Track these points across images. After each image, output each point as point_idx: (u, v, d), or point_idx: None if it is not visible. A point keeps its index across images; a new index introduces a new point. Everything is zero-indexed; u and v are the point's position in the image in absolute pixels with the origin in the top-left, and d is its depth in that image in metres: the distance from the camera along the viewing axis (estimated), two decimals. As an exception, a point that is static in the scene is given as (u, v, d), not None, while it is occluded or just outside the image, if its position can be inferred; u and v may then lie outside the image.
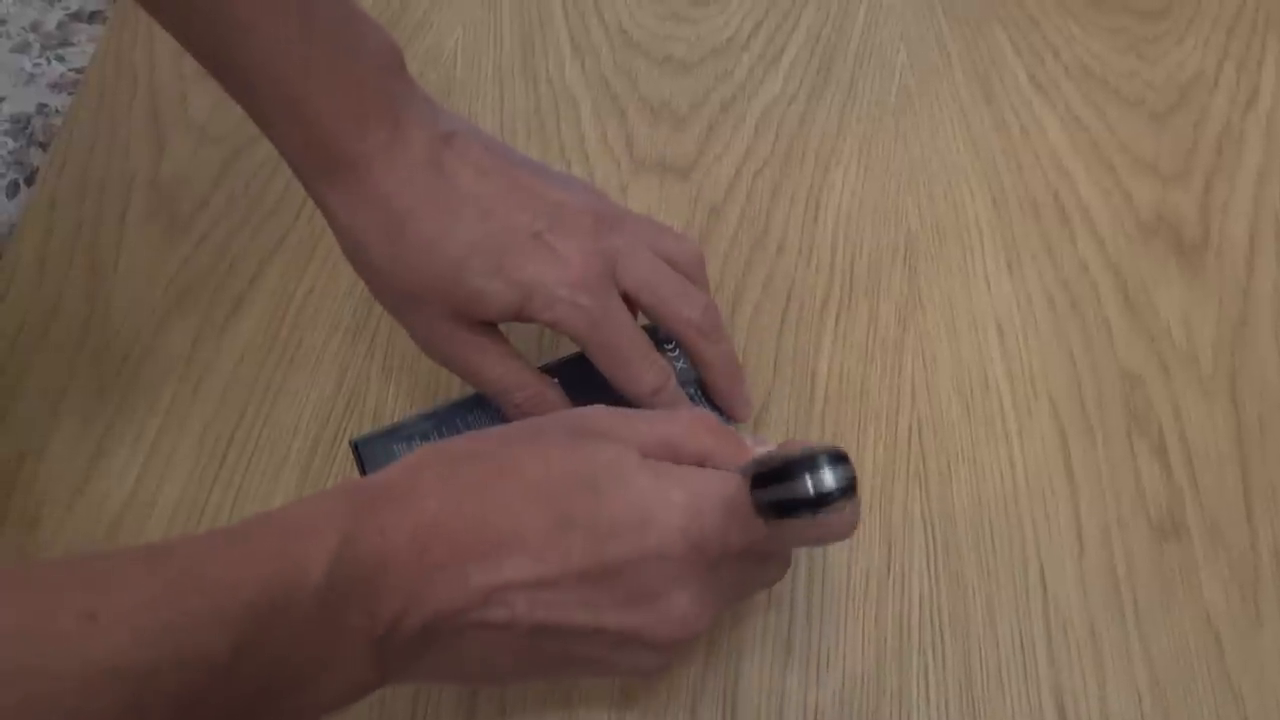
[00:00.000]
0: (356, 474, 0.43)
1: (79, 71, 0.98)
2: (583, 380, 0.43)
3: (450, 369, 0.43)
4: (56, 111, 0.95)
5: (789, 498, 0.27)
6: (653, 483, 0.33)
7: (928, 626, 0.44)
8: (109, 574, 0.28)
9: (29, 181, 0.93)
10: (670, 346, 0.45)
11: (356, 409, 0.50)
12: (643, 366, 0.41)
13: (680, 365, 0.45)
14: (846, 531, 0.35)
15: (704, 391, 0.44)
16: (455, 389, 0.49)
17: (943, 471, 0.47)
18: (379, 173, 0.40)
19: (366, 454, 0.43)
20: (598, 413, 0.36)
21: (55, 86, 0.94)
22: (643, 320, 0.44)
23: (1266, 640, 0.43)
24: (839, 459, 0.27)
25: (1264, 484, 0.47)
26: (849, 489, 0.27)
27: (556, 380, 0.43)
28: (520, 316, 0.41)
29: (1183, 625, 0.43)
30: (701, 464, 0.35)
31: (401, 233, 0.40)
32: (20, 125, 0.90)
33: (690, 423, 0.36)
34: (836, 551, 0.45)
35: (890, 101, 0.59)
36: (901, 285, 0.53)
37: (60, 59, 0.94)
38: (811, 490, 0.26)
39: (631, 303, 0.42)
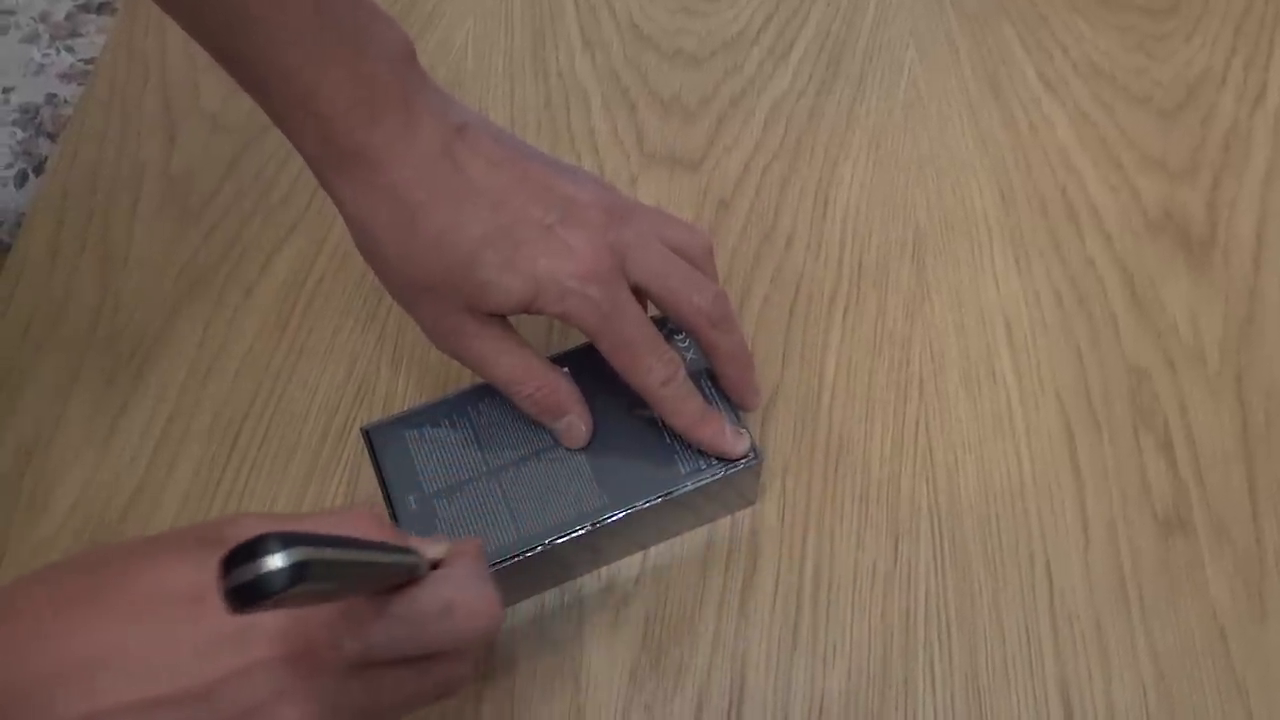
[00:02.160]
0: (367, 460, 0.44)
1: (88, 62, 0.98)
2: (593, 370, 0.43)
3: (459, 360, 0.43)
4: (65, 102, 0.95)
5: (238, 583, 0.24)
6: None
7: (934, 619, 0.44)
8: None
9: (37, 171, 0.93)
10: (681, 338, 0.46)
11: (366, 398, 0.50)
12: (652, 358, 0.41)
13: (690, 356, 0.45)
14: (474, 631, 0.33)
15: (714, 382, 0.45)
16: (465, 378, 0.49)
17: (949, 465, 0.47)
18: (390, 165, 0.40)
19: (378, 440, 0.43)
20: (245, 519, 0.33)
21: (64, 77, 0.94)
22: (652, 311, 0.44)
23: (1271, 635, 0.43)
24: (290, 543, 0.25)
25: (1269, 481, 0.47)
26: (295, 574, 0.24)
27: (566, 370, 0.43)
28: (530, 309, 0.41)
29: (1188, 620, 0.44)
30: None
31: (412, 225, 0.40)
32: (29, 115, 0.90)
33: (351, 522, 0.33)
34: (843, 544, 0.45)
35: (899, 97, 0.59)
36: (909, 279, 0.53)
37: (69, 49, 0.94)
38: (250, 575, 0.24)
39: (642, 294, 0.42)
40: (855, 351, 0.51)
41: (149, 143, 0.59)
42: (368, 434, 0.44)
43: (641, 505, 0.42)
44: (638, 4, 0.64)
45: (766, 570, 0.45)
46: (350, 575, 0.28)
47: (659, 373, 0.41)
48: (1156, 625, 0.44)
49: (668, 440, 0.43)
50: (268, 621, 0.30)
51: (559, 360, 0.44)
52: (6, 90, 0.91)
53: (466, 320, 0.41)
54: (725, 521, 0.46)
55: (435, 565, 0.34)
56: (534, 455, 0.43)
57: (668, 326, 0.45)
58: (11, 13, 0.97)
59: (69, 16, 0.98)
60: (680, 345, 0.45)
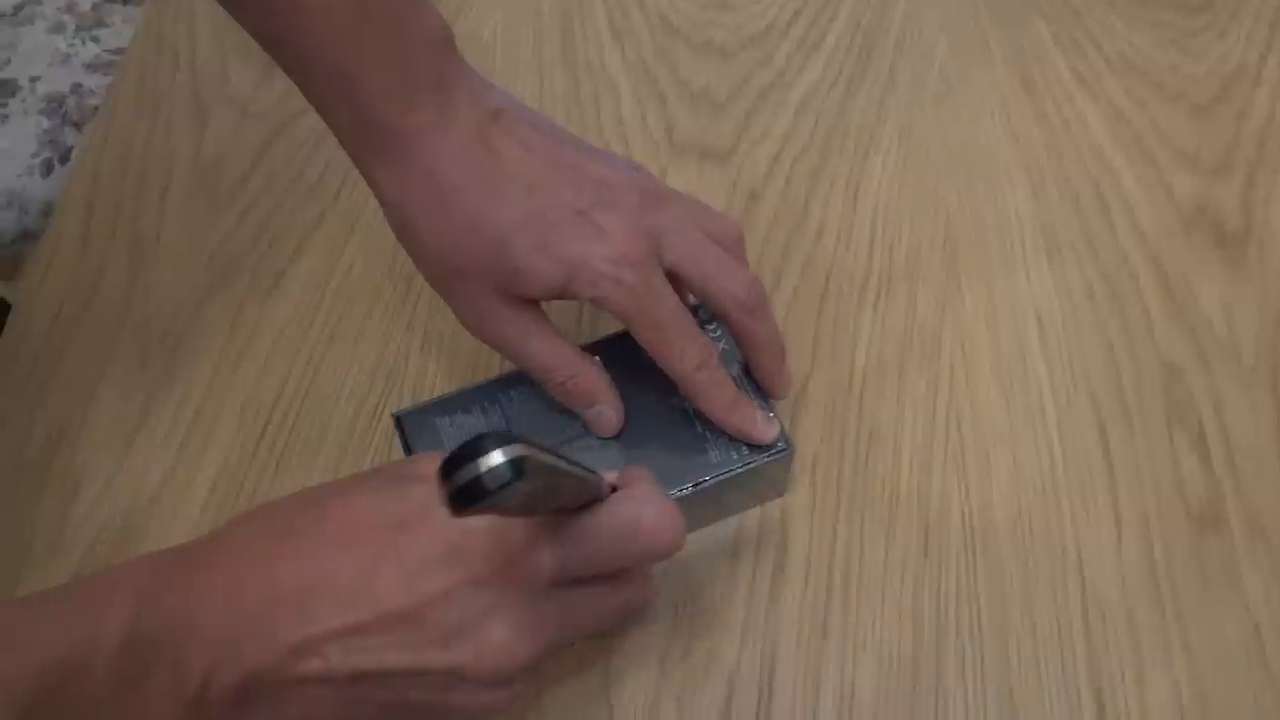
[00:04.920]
0: (398, 447, 0.43)
1: (114, 52, 0.98)
2: (624, 359, 0.43)
3: (493, 346, 0.43)
4: (91, 92, 0.96)
5: (461, 483, 0.26)
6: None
7: (965, 611, 0.44)
8: None
9: (63, 160, 0.93)
10: (712, 327, 0.45)
11: (395, 384, 0.50)
12: (686, 342, 0.41)
13: (721, 346, 0.45)
14: (661, 546, 0.34)
15: (745, 372, 0.44)
16: (494, 366, 0.49)
17: (981, 458, 0.47)
18: (426, 150, 0.40)
19: (409, 427, 0.43)
20: (422, 458, 0.36)
21: (90, 67, 0.95)
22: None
23: (1307, 632, 0.43)
24: (506, 441, 0.26)
25: (1305, 478, 0.46)
26: (515, 469, 0.26)
27: (598, 359, 0.43)
28: (564, 294, 0.40)
29: (1222, 616, 0.43)
30: None
31: (447, 210, 0.40)
32: (55, 105, 0.91)
33: None
34: (873, 535, 0.45)
35: (930, 90, 0.59)
36: (940, 273, 0.52)
37: (95, 40, 0.94)
38: (473, 474, 0.25)
39: (676, 279, 0.42)
40: (886, 344, 0.50)
41: (179, 130, 0.59)
42: (399, 420, 0.44)
43: (673, 494, 0.42)
44: (667, -4, 0.64)
45: (796, 561, 0.45)
46: (555, 481, 0.29)
47: (693, 357, 0.41)
48: (1190, 621, 0.43)
49: (699, 430, 0.43)
50: (472, 543, 0.32)
51: (591, 349, 0.44)
52: (33, 80, 0.91)
53: (499, 305, 0.41)
54: (754, 511, 0.46)
55: (613, 490, 0.35)
56: (565, 443, 0.43)
57: (699, 314, 0.45)
58: (38, 2, 0.97)
59: (95, 7, 0.98)
60: (712, 334, 0.45)
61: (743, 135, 0.58)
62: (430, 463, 0.34)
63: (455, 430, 0.43)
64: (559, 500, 0.32)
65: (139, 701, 0.30)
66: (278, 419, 0.49)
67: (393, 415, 0.44)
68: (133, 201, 0.56)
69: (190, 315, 0.52)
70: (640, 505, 0.34)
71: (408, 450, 0.43)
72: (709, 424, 0.43)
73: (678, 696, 0.42)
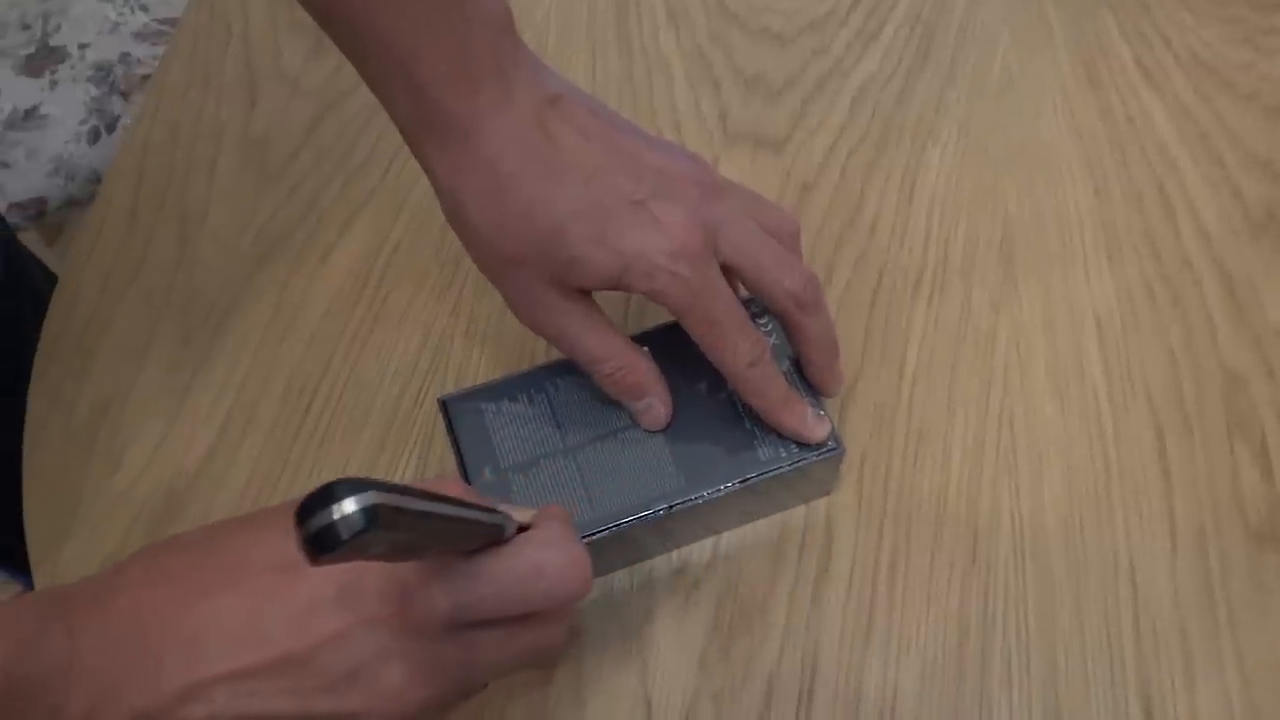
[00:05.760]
0: (440, 430, 0.43)
1: (163, 22, 0.98)
2: (673, 351, 0.42)
3: (543, 335, 0.42)
4: (139, 61, 0.96)
5: (314, 531, 0.25)
6: None
7: (1012, 616, 0.43)
8: None
9: (110, 129, 0.93)
10: (763, 321, 0.45)
11: (440, 367, 0.49)
12: (740, 338, 0.40)
13: (772, 341, 0.44)
14: (564, 592, 0.33)
15: (795, 368, 0.44)
16: (540, 353, 0.49)
17: (1033, 462, 0.46)
18: (483, 134, 0.39)
19: (455, 412, 0.43)
20: None
21: (139, 36, 0.95)
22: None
23: (1366, 654, 0.42)
24: (361, 488, 0.25)
25: (1368, 495, 0.45)
26: (368, 517, 0.25)
27: (647, 350, 0.43)
28: (618, 286, 0.40)
29: (1278, 629, 0.42)
30: None
31: (503, 197, 0.39)
32: (103, 73, 0.91)
33: (437, 485, 0.33)
34: (920, 537, 0.44)
35: (991, 83, 0.58)
36: (996, 271, 0.51)
37: (144, 9, 0.94)
38: (324, 522, 0.24)
39: (729, 272, 0.41)
40: (938, 342, 0.49)
41: (230, 103, 0.59)
42: (445, 405, 0.43)
43: (719, 490, 0.41)
44: (723, -21, 0.62)
45: (841, 561, 0.44)
46: (428, 527, 0.28)
47: (746, 353, 0.40)
48: (1245, 635, 0.42)
49: (747, 425, 0.43)
50: (364, 584, 0.31)
51: (640, 340, 0.43)
52: (82, 47, 0.92)
53: (552, 294, 0.41)
54: (800, 510, 0.45)
55: (523, 530, 0.34)
56: (611, 434, 0.43)
57: (750, 308, 0.44)
58: (90, -30, 0.97)
59: (145, -24, 0.98)
60: (762, 328, 0.44)
61: (798, 124, 0.56)
62: None
63: (501, 417, 0.43)
64: (445, 543, 0.31)
65: None
66: (323, 396, 0.49)
67: (438, 400, 0.43)
68: (182, 173, 0.56)
69: (237, 289, 0.52)
70: (544, 549, 0.33)
71: (452, 435, 0.43)
72: (758, 420, 0.42)
73: (716, 695, 0.41)
